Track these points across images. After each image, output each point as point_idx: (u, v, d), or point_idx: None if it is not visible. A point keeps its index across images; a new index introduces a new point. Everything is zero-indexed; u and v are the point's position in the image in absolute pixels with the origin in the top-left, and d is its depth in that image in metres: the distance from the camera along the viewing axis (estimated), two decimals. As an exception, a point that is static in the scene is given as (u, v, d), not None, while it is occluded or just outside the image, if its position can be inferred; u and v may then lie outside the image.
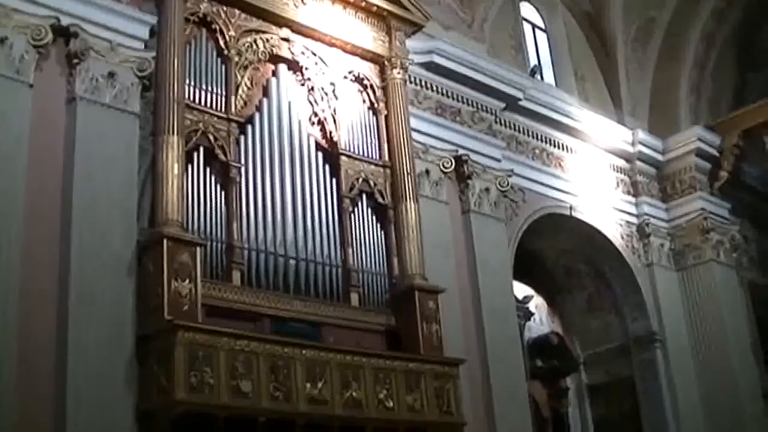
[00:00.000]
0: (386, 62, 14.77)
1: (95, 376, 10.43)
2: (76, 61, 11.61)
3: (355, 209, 13.75)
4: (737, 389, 19.39)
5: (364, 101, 14.55)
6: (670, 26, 21.06)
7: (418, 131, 15.29)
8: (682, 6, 20.99)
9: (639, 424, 19.22)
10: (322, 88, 13.97)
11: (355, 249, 13.43)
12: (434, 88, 16.10)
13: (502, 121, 17.52)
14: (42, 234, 10.77)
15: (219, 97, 12.66)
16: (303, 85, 13.88)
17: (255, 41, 13.39)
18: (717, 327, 19.81)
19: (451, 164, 15.79)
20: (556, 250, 19.73)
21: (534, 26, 20.64)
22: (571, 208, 18.51)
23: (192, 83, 12.42)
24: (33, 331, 10.30)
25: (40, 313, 10.45)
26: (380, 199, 14.06)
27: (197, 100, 12.38)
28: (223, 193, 12.26)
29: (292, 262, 12.50)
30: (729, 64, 22.39)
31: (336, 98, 14.07)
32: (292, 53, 13.80)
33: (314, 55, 14.05)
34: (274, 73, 13.62)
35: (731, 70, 22.63)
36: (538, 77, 19.49)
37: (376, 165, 14.20)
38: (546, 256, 19.93)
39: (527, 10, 20.54)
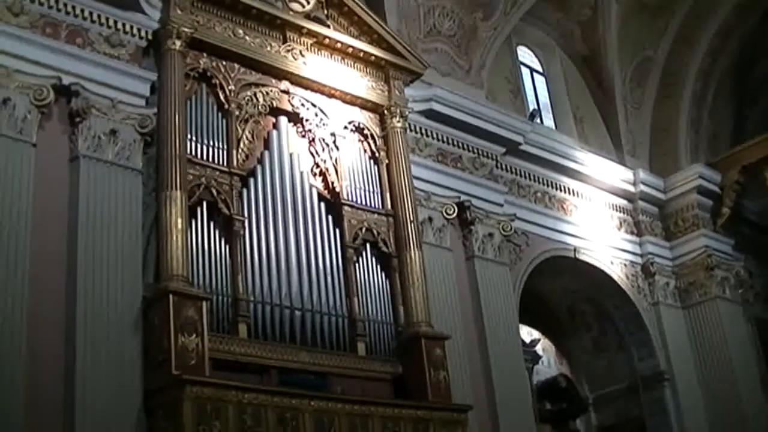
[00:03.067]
0: (386, 111, 14.86)
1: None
2: (78, 119, 11.72)
3: (360, 258, 13.77)
4: (747, 426, 19.28)
5: (365, 151, 14.62)
6: (667, 65, 21.16)
7: (420, 179, 15.33)
8: (677, 44, 21.09)
9: (650, 463, 19.18)
10: (323, 139, 14.03)
11: (360, 298, 13.42)
12: (434, 136, 16.15)
13: (504, 166, 17.55)
14: (47, 292, 10.80)
15: (221, 151, 12.73)
16: (304, 136, 13.96)
17: (255, 94, 13.47)
18: (725, 364, 19.74)
19: (454, 211, 15.80)
20: (562, 291, 19.71)
21: (532, 70, 20.76)
22: (575, 250, 18.52)
23: (193, 138, 12.50)
24: (40, 389, 10.29)
25: (47, 371, 10.46)
26: (384, 248, 14.08)
27: (199, 155, 12.45)
28: (227, 246, 12.29)
29: (297, 313, 12.50)
30: (726, 99, 22.47)
31: (337, 149, 14.14)
32: (292, 105, 13.88)
33: (314, 106, 14.13)
34: (275, 126, 13.69)
35: (729, 106, 22.71)
36: (538, 121, 19.53)
37: (378, 214, 14.23)
38: (551, 298, 19.91)
39: (524, 55, 20.66)
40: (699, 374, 19.85)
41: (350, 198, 13.95)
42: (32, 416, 10.10)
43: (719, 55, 21.64)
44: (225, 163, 12.68)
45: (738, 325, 20.61)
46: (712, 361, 19.86)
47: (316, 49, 14.31)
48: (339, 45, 14.52)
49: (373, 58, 14.88)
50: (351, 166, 14.24)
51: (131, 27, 12.56)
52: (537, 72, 20.92)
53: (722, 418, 19.37)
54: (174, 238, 11.49)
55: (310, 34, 14.20)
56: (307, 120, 13.96)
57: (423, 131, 16.03)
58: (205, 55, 13.10)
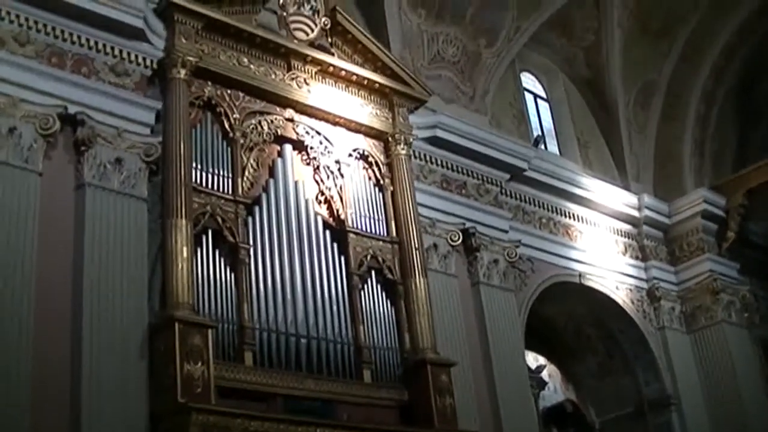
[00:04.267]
0: (390, 138, 14.90)
1: (110, 462, 10.43)
2: (83, 148, 11.73)
3: (365, 286, 13.77)
4: (754, 449, 19.31)
5: (369, 178, 14.66)
6: (670, 87, 21.19)
7: (425, 206, 15.36)
8: (681, 67, 21.13)
9: (658, 489, 19.14)
10: (328, 167, 14.07)
11: (366, 325, 13.42)
12: (439, 162, 16.19)
13: (508, 192, 17.59)
14: (53, 320, 10.82)
15: (226, 180, 12.75)
16: (308, 164, 13.99)
17: (260, 123, 13.51)
18: (732, 387, 19.70)
19: (459, 237, 15.82)
20: (567, 317, 19.71)
21: (535, 96, 20.80)
22: (580, 275, 18.52)
23: (199, 166, 12.53)
24: (47, 412, 10.29)
25: (53, 397, 10.46)
26: (389, 275, 14.09)
27: (204, 183, 12.48)
28: (232, 274, 12.30)
29: (303, 340, 12.50)
30: (730, 121, 22.53)
31: (342, 176, 14.17)
32: (297, 133, 13.93)
33: (319, 134, 14.17)
34: (280, 154, 13.72)
35: (732, 126, 22.77)
36: (542, 147, 19.57)
37: (384, 241, 14.25)
38: (557, 323, 19.90)
39: (528, 81, 20.71)
40: (705, 398, 19.80)
41: (355, 225, 13.98)
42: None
43: (722, 76, 21.70)
44: (230, 192, 12.70)
45: (744, 348, 20.58)
46: (718, 384, 19.82)
47: (320, 77, 14.36)
48: (343, 73, 14.57)
49: (377, 85, 14.93)
50: (356, 193, 14.27)
51: (136, 56, 12.60)
52: (540, 98, 20.97)
53: (729, 441, 19.37)
54: (179, 266, 11.51)
55: (315, 62, 14.25)
56: (311, 148, 14.00)
57: (427, 158, 16.05)
58: (209, 83, 13.14)
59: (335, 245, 13.63)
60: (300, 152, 13.96)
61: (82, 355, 10.75)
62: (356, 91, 14.79)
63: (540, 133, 19.93)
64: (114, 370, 10.85)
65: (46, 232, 11.10)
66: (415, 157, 15.63)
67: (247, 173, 13.04)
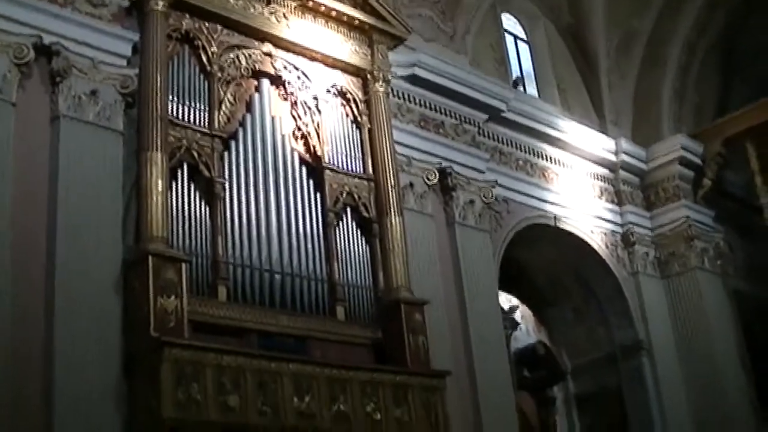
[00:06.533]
0: (369, 76, 14.79)
1: (82, 396, 10.38)
2: (58, 79, 11.57)
3: (340, 223, 13.72)
4: (725, 396, 19.40)
5: (347, 115, 14.55)
6: (653, 35, 21.08)
7: (402, 144, 15.30)
8: (664, 15, 21.01)
9: (627, 432, 19.28)
10: (305, 103, 13.96)
11: (340, 263, 13.39)
12: (417, 101, 16.12)
13: (486, 133, 17.54)
14: (27, 254, 10.72)
15: (202, 113, 12.62)
16: (286, 99, 13.88)
17: (237, 57, 13.36)
18: (703, 334, 19.81)
19: (435, 177, 15.82)
20: (542, 260, 19.73)
21: (516, 38, 20.69)
22: (555, 218, 18.54)
23: (175, 99, 12.39)
24: (19, 351, 10.22)
25: (26, 333, 10.38)
26: (365, 213, 14.04)
27: (180, 117, 12.35)
28: (207, 209, 12.21)
29: (277, 277, 12.46)
30: (711, 71, 22.47)
31: (319, 112, 14.06)
32: (275, 68, 13.80)
33: (297, 69, 14.04)
34: (257, 89, 13.59)
35: (714, 78, 22.71)
36: (521, 88, 19.53)
37: (360, 178, 14.19)
38: (531, 266, 19.93)
39: (509, 22, 20.59)
40: (677, 344, 19.91)
41: (332, 162, 13.89)
42: (11, 377, 10.05)
43: (705, 28, 21.61)
44: (206, 126, 12.58)
45: (717, 296, 20.69)
46: (690, 331, 19.93)
47: (299, 12, 14.20)
48: (323, 8, 14.40)
49: (356, 22, 14.77)
50: (333, 130, 14.17)
51: (113, -14, 12.43)
52: (521, 40, 20.86)
53: (700, 387, 19.47)
54: (154, 199, 11.42)
55: (294, -4, 14.14)
56: (289, 83, 13.88)
57: (406, 96, 15.99)
58: (187, 16, 12.95)
59: (311, 181, 13.56)
60: (277, 87, 13.83)
61: (55, 290, 10.69)
62: (336, 27, 14.63)
63: (519, 74, 19.88)
64: (88, 305, 10.80)
65: (20, 164, 10.98)
66: (394, 95, 15.55)
67: (223, 107, 12.91)
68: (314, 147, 13.86)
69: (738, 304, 21.27)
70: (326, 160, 13.84)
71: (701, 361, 19.63)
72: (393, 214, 14.04)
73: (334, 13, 14.54)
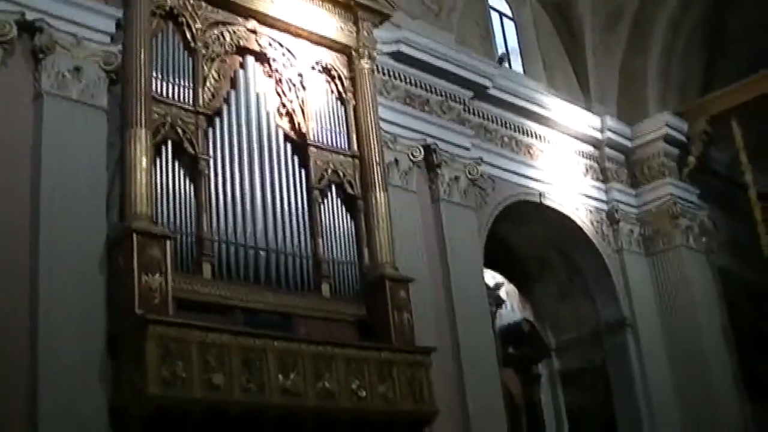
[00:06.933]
0: (354, 52, 14.74)
1: (67, 374, 10.38)
2: (41, 56, 11.50)
3: (325, 200, 13.70)
4: (709, 373, 19.50)
5: (332, 92, 14.51)
6: (639, 13, 21.08)
7: (387, 121, 15.26)
8: (650, -7, 21.08)
9: (611, 409, 19.30)
10: (290, 80, 13.91)
11: (325, 239, 13.39)
12: (402, 78, 16.09)
13: (471, 110, 17.51)
14: (10, 232, 10.70)
15: (186, 90, 12.56)
16: (270, 76, 13.82)
17: (222, 33, 13.28)
18: (687, 311, 19.90)
19: (420, 153, 15.81)
20: (526, 237, 19.74)
21: (501, 15, 20.66)
22: (540, 195, 18.55)
23: (159, 76, 12.31)
24: (3, 329, 10.23)
25: (10, 311, 10.37)
26: (350, 190, 14.02)
27: (165, 93, 12.28)
28: (192, 186, 12.18)
29: (262, 253, 12.46)
30: (697, 49, 22.46)
31: (304, 89, 14.01)
32: (260, 45, 13.73)
33: (281, 46, 13.98)
34: (242, 65, 13.54)
35: (699, 56, 22.70)
36: (506, 66, 19.49)
37: (345, 155, 14.16)
38: (516, 243, 19.95)
39: (494, -1, 20.59)
40: (661, 321, 20.00)
41: (316, 139, 13.87)
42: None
43: (690, 6, 21.60)
44: (191, 102, 12.52)
45: (701, 273, 20.77)
46: (674, 308, 20.01)
47: (284, -12, 14.18)
48: (307, -16, 14.40)
49: (342, -2, 14.76)
50: (318, 106, 14.13)
51: (96, -38, 12.34)
52: (507, 17, 20.83)
53: (683, 364, 19.56)
54: (138, 176, 11.37)
55: (279, -28, 14.07)
56: (274, 60, 13.83)
57: (391, 73, 15.96)
58: (172, -8, 12.93)
59: (296, 158, 13.53)
60: (262, 64, 13.78)
61: (39, 268, 10.66)
62: (321, 4, 14.54)
63: (505, 52, 19.83)
64: (72, 283, 10.79)
65: (2, 142, 10.96)
66: (379, 72, 15.50)
67: (208, 84, 12.84)
68: (299, 124, 13.81)
69: (722, 281, 21.37)
70: (311, 137, 13.80)
71: (685, 338, 19.71)
72: (378, 190, 14.03)
73: (318, -11, 14.50)
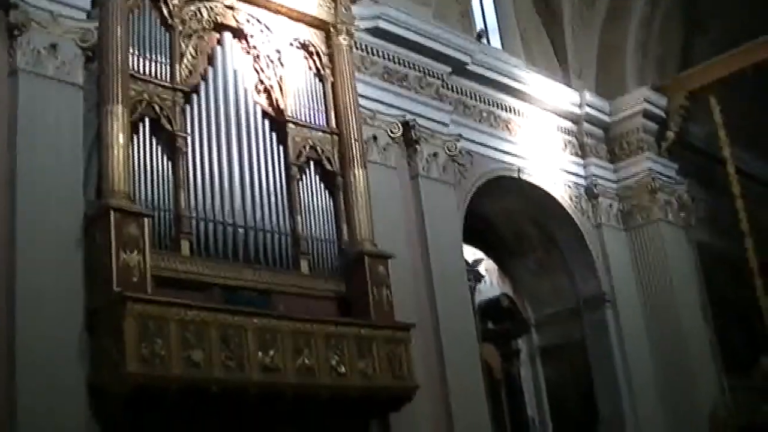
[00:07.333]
0: (332, 28, 14.67)
1: (45, 352, 10.33)
2: (16, 32, 11.37)
3: (303, 176, 13.68)
4: (687, 347, 19.60)
5: (310, 68, 14.46)
6: (616, -13, 21.11)
7: (365, 97, 15.22)
8: (627, -33, 21.04)
9: (591, 384, 19.39)
10: (268, 56, 13.86)
11: (304, 216, 13.37)
12: (380, 54, 16.02)
13: (450, 86, 17.47)
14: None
15: (164, 67, 12.49)
16: (248, 53, 13.75)
17: (199, 9, 13.20)
18: (666, 286, 19.97)
19: (399, 129, 15.77)
20: (506, 212, 19.77)
21: (480, -11, 20.64)
22: (519, 170, 18.55)
23: (136, 53, 12.22)
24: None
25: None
26: (328, 166, 14.00)
27: (142, 70, 12.21)
28: (169, 163, 12.12)
29: (240, 230, 12.43)
30: (675, 23, 22.42)
31: (282, 66, 13.97)
32: (237, 21, 13.66)
33: (259, 22, 13.90)
34: (219, 42, 13.45)
35: (678, 30, 22.66)
36: (485, 41, 19.48)
37: (323, 132, 14.13)
38: (495, 219, 19.97)
39: (473, -27, 20.51)
40: (641, 296, 20.08)
41: (295, 115, 13.83)
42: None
43: (670, -21, 21.64)
44: (168, 79, 12.46)
45: (680, 248, 20.85)
46: (653, 283, 20.08)
47: (262, -36, 14.10)
48: (286, -40, 14.32)
49: (319, -27, 14.70)
50: (296, 83, 14.08)
51: (72, -63, 12.24)
52: (485, -9, 20.80)
53: (663, 338, 19.65)
54: (115, 153, 11.29)
55: (256, -54, 13.98)
56: (252, 36, 13.76)
57: (369, 49, 15.87)
58: (148, -32, 12.84)
59: (274, 135, 13.48)
60: (240, 40, 13.70)
61: (16, 246, 10.62)
62: (298, -21, 14.52)
63: (483, 27, 19.81)
64: (50, 261, 10.73)
65: (-22, 120, 10.87)
66: (357, 48, 15.41)
67: (185, 61, 12.78)
68: (277, 100, 13.77)
69: (700, 255, 21.46)
70: (289, 114, 13.76)
71: (664, 312, 19.80)
72: (356, 167, 14.02)
73: (297, -34, 14.43)
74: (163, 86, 12.38)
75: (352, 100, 14.44)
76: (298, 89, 14.09)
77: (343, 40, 14.70)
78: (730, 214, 20.17)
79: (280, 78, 13.90)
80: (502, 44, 20.32)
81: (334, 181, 14.03)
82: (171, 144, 12.23)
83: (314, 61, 14.54)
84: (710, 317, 20.79)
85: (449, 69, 17.18)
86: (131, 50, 12.14)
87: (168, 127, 12.23)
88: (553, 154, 19.58)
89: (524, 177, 18.67)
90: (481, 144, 17.89)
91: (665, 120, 21.13)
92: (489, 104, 18.47)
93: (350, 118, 14.31)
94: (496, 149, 18.21)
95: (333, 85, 14.51)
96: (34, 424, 10.08)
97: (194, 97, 12.77)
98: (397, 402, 13.30)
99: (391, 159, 15.58)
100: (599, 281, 19.62)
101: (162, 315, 10.75)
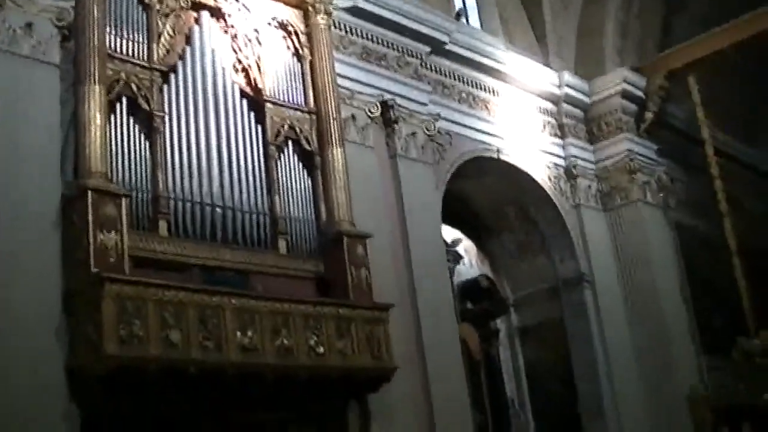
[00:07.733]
0: (310, 8, 14.58)
1: (22, 333, 10.27)
2: (-8, 12, 11.32)
3: (281, 156, 13.64)
4: (666, 328, 19.72)
5: (288, 47, 14.39)
6: (596, -33, 21.08)
7: (344, 77, 15.17)
8: (607, -54, 21.01)
9: (569, 364, 19.44)
10: (246, 35, 13.78)
11: (282, 196, 13.34)
12: (359, 33, 15.96)
13: (428, 66, 17.44)
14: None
15: (141, 46, 12.40)
16: (226, 32, 13.67)
17: (176, -12, 13.17)
18: (645, 267, 20.06)
19: (378, 109, 15.73)
20: (485, 193, 19.77)
21: (459, -32, 20.58)
22: (498, 150, 18.54)
23: (113, 32, 12.13)
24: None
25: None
26: (306, 146, 13.97)
27: (119, 49, 12.12)
28: (147, 143, 12.05)
29: (218, 210, 12.38)
30: (655, 4, 22.41)
31: (260, 45, 13.90)
32: (215, 0, 13.59)
33: (237, 1, 13.81)
34: (197, 21, 13.36)
35: (657, 12, 22.63)
36: (464, 20, 19.45)
37: (301, 111, 14.09)
38: (474, 199, 19.98)
39: (451, -47, 20.44)
40: (619, 277, 20.16)
41: (273, 95, 13.77)
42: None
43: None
44: (145, 58, 12.38)
45: (658, 228, 20.93)
46: (632, 263, 20.17)
47: (240, -57, 14.01)
48: (263, -61, 14.23)
49: (297, -48, 14.61)
50: (274, 62, 14.03)
51: None
52: (464, -29, 20.74)
53: (642, 319, 19.78)
54: (93, 133, 11.22)
55: (235, -74, 13.89)
56: (229, 15, 13.68)
57: (348, 29, 15.81)
58: (125, -55, 12.73)
59: (252, 114, 13.43)
60: (218, 19, 13.61)
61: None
62: (276, -42, 14.44)
63: (462, 6, 19.78)
64: (27, 242, 10.65)
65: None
66: (335, 28, 15.35)
67: (162, 40, 12.69)
68: (255, 80, 13.72)
69: (679, 236, 21.51)
70: (267, 93, 13.71)
71: (643, 292, 19.90)
72: (335, 146, 13.99)
73: (274, -56, 14.34)
74: (141, 65, 12.30)
75: (330, 80, 14.39)
76: (276, 69, 14.03)
77: (321, 19, 14.61)
78: (709, 195, 20.21)
79: (258, 57, 13.83)
80: (481, 24, 20.28)
81: (313, 161, 13.99)
82: (148, 124, 12.16)
83: (292, 40, 14.47)
84: (689, 298, 20.84)
85: (428, 49, 17.14)
86: (108, 29, 12.03)
87: (145, 106, 12.15)
88: (532, 135, 19.58)
89: (503, 157, 18.66)
90: (460, 124, 17.87)
91: (644, 101, 21.17)
92: (468, 84, 18.44)
93: (328, 97, 14.26)
94: (475, 129, 18.19)
95: (311, 64, 14.45)
96: (12, 406, 10.01)
97: (172, 76, 12.68)
98: (375, 382, 13.31)
99: (370, 139, 15.54)
100: (578, 262, 19.66)
101: (140, 296, 10.70)
